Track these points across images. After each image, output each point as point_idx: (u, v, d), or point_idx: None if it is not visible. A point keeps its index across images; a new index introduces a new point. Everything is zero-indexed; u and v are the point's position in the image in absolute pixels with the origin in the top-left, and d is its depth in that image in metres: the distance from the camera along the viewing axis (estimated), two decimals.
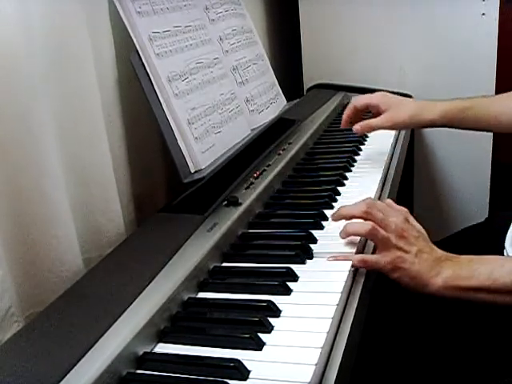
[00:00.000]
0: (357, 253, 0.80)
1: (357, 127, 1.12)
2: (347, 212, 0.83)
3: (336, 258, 0.78)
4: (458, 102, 1.11)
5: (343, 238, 0.82)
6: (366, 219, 0.80)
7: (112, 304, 0.65)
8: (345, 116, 1.15)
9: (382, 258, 0.77)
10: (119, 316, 0.62)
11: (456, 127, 1.13)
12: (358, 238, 0.82)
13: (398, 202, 0.88)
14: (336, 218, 0.85)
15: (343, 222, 0.83)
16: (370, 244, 0.85)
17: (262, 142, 1.15)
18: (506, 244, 0.95)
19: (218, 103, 1.07)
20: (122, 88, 0.97)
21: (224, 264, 0.81)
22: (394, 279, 0.78)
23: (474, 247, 0.86)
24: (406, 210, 0.85)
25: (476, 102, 1.11)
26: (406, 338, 0.97)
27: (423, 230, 0.83)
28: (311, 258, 0.80)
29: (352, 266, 0.76)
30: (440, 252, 0.79)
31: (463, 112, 1.10)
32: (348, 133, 1.37)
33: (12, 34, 0.70)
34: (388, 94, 1.19)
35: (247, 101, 1.18)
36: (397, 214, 0.82)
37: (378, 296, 0.86)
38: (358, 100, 1.15)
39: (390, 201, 0.88)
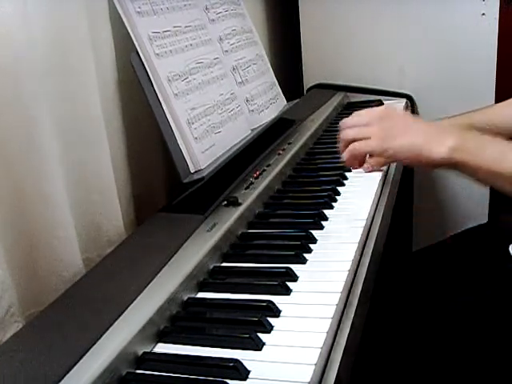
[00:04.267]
0: (357, 252, 0.80)
1: (367, 166, 1.12)
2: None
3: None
4: (459, 121, 1.11)
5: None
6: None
7: (112, 304, 0.65)
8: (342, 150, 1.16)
9: (371, 140, 0.77)
10: (119, 316, 0.62)
11: None
12: (357, 238, 0.82)
13: (398, 202, 0.88)
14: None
15: (344, 225, 0.83)
16: (370, 243, 0.85)
17: (262, 142, 1.15)
18: (511, 248, 0.96)
19: (218, 103, 1.07)
20: (121, 88, 0.97)
21: (224, 264, 0.81)
22: (394, 160, 0.75)
23: (478, 249, 0.86)
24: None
25: (476, 116, 1.12)
26: (406, 338, 0.97)
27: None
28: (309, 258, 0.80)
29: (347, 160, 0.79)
30: (439, 124, 0.77)
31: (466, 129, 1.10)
32: None
33: (12, 34, 0.70)
34: None
35: (247, 101, 1.18)
36: (374, 109, 0.86)
37: (378, 296, 0.86)
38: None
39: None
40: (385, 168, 1.12)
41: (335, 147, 1.27)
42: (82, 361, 0.55)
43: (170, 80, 0.96)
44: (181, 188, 0.93)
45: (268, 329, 0.64)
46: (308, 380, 0.55)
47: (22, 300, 0.74)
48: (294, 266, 0.77)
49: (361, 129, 0.77)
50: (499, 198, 1.68)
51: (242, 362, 0.58)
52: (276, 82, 1.35)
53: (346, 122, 0.84)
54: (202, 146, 0.98)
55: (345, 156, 0.81)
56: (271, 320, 0.65)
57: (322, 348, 0.60)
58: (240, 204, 0.91)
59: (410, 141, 0.73)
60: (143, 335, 0.62)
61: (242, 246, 0.86)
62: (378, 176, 1.08)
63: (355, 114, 0.84)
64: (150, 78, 0.93)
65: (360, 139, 0.76)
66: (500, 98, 1.56)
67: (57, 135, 0.80)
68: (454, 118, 1.13)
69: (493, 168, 0.69)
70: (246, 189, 0.97)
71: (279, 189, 1.06)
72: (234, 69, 1.18)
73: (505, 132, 1.09)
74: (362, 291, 0.74)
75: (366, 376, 0.92)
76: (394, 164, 1.20)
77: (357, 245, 0.81)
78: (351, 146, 0.77)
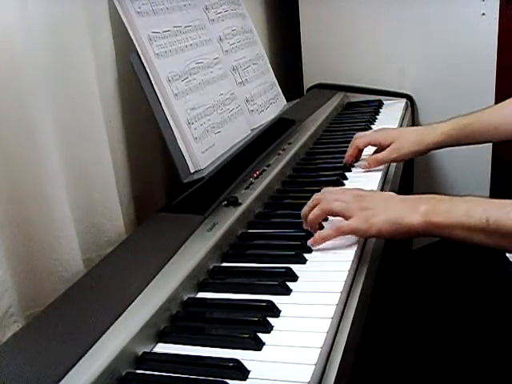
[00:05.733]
0: (357, 252, 0.80)
1: (365, 164, 1.12)
2: (304, 214, 0.84)
3: (314, 241, 0.81)
4: (457, 121, 1.13)
5: (315, 243, 0.82)
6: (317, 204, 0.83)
7: (112, 304, 0.65)
8: (348, 156, 1.16)
9: (352, 221, 0.79)
10: (119, 316, 0.62)
11: (460, 145, 1.15)
12: (356, 238, 0.82)
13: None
14: (305, 227, 0.85)
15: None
16: (370, 242, 0.85)
17: (262, 142, 1.15)
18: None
19: (218, 103, 1.07)
20: (121, 88, 0.97)
21: (224, 264, 0.81)
22: (376, 236, 0.79)
23: (475, 249, 0.86)
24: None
25: (475, 116, 1.13)
26: (406, 338, 0.97)
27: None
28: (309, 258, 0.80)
29: (329, 237, 0.80)
30: (415, 195, 0.80)
31: (464, 129, 1.11)
32: (348, 133, 1.37)
33: (12, 35, 0.70)
34: (386, 127, 1.24)
35: (247, 101, 1.18)
36: (350, 190, 0.85)
37: (378, 296, 0.86)
38: (360, 140, 1.15)
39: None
40: (382, 166, 1.12)
41: (335, 147, 1.27)
42: (81, 361, 0.55)
43: (169, 80, 0.96)
44: (181, 188, 0.93)
45: (268, 329, 0.64)
46: (308, 380, 0.55)
47: (22, 300, 0.74)
48: (294, 266, 0.77)
49: (344, 206, 0.80)
50: (499, 198, 1.68)
51: (242, 362, 0.58)
52: (276, 82, 1.35)
53: (328, 193, 0.86)
54: (202, 146, 0.98)
55: (309, 223, 0.83)
56: (271, 320, 0.65)
57: (321, 348, 0.60)
58: (240, 204, 0.91)
59: (389, 216, 0.77)
60: (143, 335, 0.62)
61: (242, 246, 0.86)
62: (377, 176, 1.08)
63: (326, 189, 0.88)
64: (149, 78, 0.93)
65: (341, 215, 0.80)
66: (500, 97, 1.56)
67: (57, 135, 0.80)
68: (452, 119, 1.13)
69: (465, 224, 0.73)
70: (245, 189, 0.97)
71: (279, 189, 1.06)
72: (233, 69, 1.18)
73: (502, 133, 1.10)
74: (361, 291, 0.74)
75: (366, 376, 0.92)
76: (394, 164, 1.20)
77: (357, 244, 0.81)
78: (336, 226, 0.79)
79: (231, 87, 1.14)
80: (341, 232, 0.80)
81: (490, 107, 1.16)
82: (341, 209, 0.81)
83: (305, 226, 0.85)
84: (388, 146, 1.12)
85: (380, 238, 0.80)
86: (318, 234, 0.81)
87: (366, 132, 1.22)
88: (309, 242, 0.82)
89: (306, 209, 0.85)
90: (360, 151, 1.17)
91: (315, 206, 0.83)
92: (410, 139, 1.12)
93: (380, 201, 0.81)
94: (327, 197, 0.84)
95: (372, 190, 0.86)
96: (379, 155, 1.12)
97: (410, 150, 1.12)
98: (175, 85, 0.96)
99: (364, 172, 1.12)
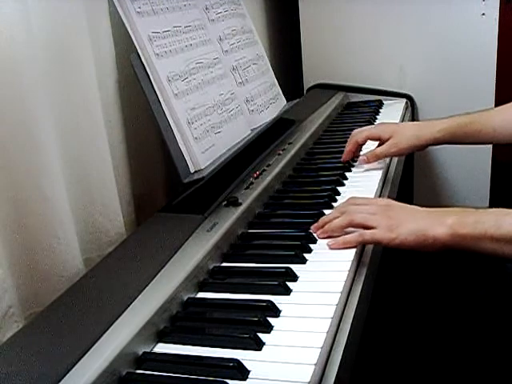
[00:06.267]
0: (357, 252, 0.80)
1: (364, 158, 1.12)
2: (326, 222, 0.84)
3: (338, 245, 0.80)
4: (457, 118, 1.13)
5: (335, 248, 0.81)
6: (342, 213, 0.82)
7: (112, 304, 0.65)
8: (347, 151, 1.16)
9: (377, 230, 0.78)
10: (119, 316, 0.62)
11: (458, 143, 1.15)
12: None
13: (398, 201, 0.88)
14: (321, 235, 0.84)
15: None
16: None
17: (262, 142, 1.15)
18: None
19: (218, 103, 1.07)
20: (121, 88, 0.97)
21: (224, 264, 0.81)
22: (400, 247, 0.77)
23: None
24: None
25: (475, 116, 1.13)
26: (406, 338, 0.97)
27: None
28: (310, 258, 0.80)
29: (351, 244, 0.79)
30: (443, 209, 0.79)
31: (464, 127, 1.11)
32: (348, 133, 1.37)
33: (12, 34, 0.70)
34: (385, 122, 1.24)
35: (247, 101, 1.18)
36: (375, 200, 0.84)
37: (378, 296, 0.86)
38: (359, 135, 1.15)
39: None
40: (383, 165, 1.12)
41: (335, 147, 1.27)
42: (82, 361, 0.55)
43: (169, 80, 0.96)
44: (181, 188, 0.93)
45: (268, 329, 0.64)
46: (308, 380, 0.55)
47: (22, 300, 0.74)
48: (294, 266, 0.77)
49: (368, 216, 0.79)
50: (498, 199, 1.68)
51: (242, 362, 0.58)
52: (276, 82, 1.35)
53: (352, 205, 0.85)
54: (202, 146, 0.98)
55: (330, 230, 0.83)
56: (271, 320, 0.65)
57: (321, 348, 0.60)
58: (240, 204, 0.91)
59: (415, 227, 0.76)
60: (143, 335, 0.62)
61: (242, 246, 0.86)
62: (377, 176, 1.08)
63: (351, 199, 0.86)
64: (149, 78, 0.93)
65: (366, 226, 0.79)
66: (500, 97, 1.57)
67: (57, 135, 0.80)
68: (452, 117, 1.13)
69: (494, 235, 0.72)
70: (245, 189, 0.97)
71: (279, 189, 1.06)
72: (233, 69, 1.18)
73: (500, 136, 1.10)
74: (361, 291, 0.74)
75: (366, 376, 0.92)
76: (394, 164, 1.20)
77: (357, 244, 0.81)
78: (360, 235, 0.79)
79: (231, 87, 1.14)
80: (363, 240, 0.79)
81: (490, 109, 1.16)
82: (365, 220, 0.80)
83: (315, 232, 0.84)
84: (387, 140, 1.12)
85: (404, 248, 0.79)
86: (343, 239, 0.80)
87: (364, 127, 1.22)
88: (331, 245, 0.81)
89: (328, 217, 0.84)
90: (359, 146, 1.16)
91: (338, 216, 0.82)
92: (409, 134, 1.12)
93: (406, 212, 0.81)
94: (352, 209, 0.83)
95: (397, 202, 0.86)
96: (378, 149, 1.12)
97: (409, 145, 1.12)
98: (175, 85, 0.96)
99: (364, 172, 1.12)
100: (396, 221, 0.78)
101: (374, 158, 1.12)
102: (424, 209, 0.81)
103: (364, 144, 1.18)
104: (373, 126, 1.22)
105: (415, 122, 1.26)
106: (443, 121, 1.13)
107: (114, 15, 0.93)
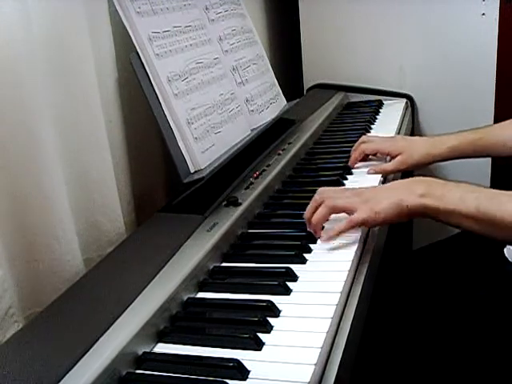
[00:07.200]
0: (357, 252, 0.80)
1: (371, 170, 1.12)
2: (308, 215, 0.85)
3: (329, 236, 0.82)
4: (466, 135, 1.13)
5: (330, 238, 0.83)
6: (320, 204, 0.84)
7: (112, 304, 0.65)
8: (354, 159, 1.16)
9: (359, 212, 0.80)
10: (119, 316, 0.62)
11: (466, 157, 1.16)
12: (356, 238, 0.82)
13: None
14: (317, 233, 0.86)
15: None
16: (370, 243, 0.85)
17: (262, 142, 1.15)
18: (505, 249, 0.97)
19: (218, 103, 1.07)
20: (121, 88, 0.97)
21: (224, 264, 0.81)
22: (384, 223, 0.82)
23: (474, 249, 0.87)
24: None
25: (484, 132, 1.14)
26: (406, 338, 0.97)
27: None
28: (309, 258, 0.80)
29: (343, 231, 0.81)
30: (411, 178, 0.83)
31: (473, 144, 1.13)
32: (348, 133, 1.37)
33: (12, 34, 0.70)
34: (396, 136, 1.27)
35: (247, 101, 1.18)
36: (346, 188, 0.88)
37: (378, 296, 0.86)
38: (368, 146, 1.16)
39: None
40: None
41: (335, 147, 1.27)
42: (82, 361, 0.55)
43: (169, 80, 0.96)
44: (181, 188, 0.93)
45: (268, 329, 0.64)
46: (308, 380, 0.55)
47: (22, 300, 0.74)
48: (294, 266, 0.77)
49: (348, 200, 0.83)
50: None
51: (242, 362, 0.58)
52: (276, 82, 1.35)
53: (326, 193, 0.87)
54: (202, 146, 0.98)
55: (315, 223, 0.84)
56: (271, 320, 0.65)
57: (321, 348, 0.60)
58: (240, 204, 0.91)
59: (391, 200, 0.80)
60: (143, 335, 0.62)
61: (242, 246, 0.86)
62: (377, 176, 1.08)
63: (322, 189, 0.88)
64: (149, 78, 0.93)
65: (347, 209, 0.82)
66: (500, 98, 1.57)
67: (57, 135, 0.80)
68: (460, 132, 1.14)
69: (457, 210, 0.76)
70: (245, 189, 0.97)
71: (279, 189, 1.06)
72: (233, 69, 1.18)
73: (511, 150, 1.10)
74: (361, 291, 0.74)
75: (366, 376, 0.92)
76: None
77: (357, 244, 0.81)
78: (348, 221, 0.81)
79: (231, 87, 1.14)
80: (353, 223, 0.81)
81: (499, 124, 1.17)
82: (345, 203, 0.82)
83: (309, 228, 0.85)
84: (395, 156, 1.12)
85: (387, 223, 0.81)
86: (333, 229, 0.82)
87: (374, 138, 1.22)
88: (322, 239, 0.83)
89: (309, 211, 0.85)
90: (366, 156, 1.17)
91: (317, 206, 0.83)
92: (419, 152, 1.13)
93: (379, 191, 0.84)
94: (328, 195, 0.84)
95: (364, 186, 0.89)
96: (388, 166, 1.12)
97: (418, 162, 1.13)
98: (175, 85, 0.96)
99: (364, 172, 1.12)
100: (373, 199, 0.81)
101: (383, 173, 1.12)
102: (393, 182, 0.84)
103: (370, 155, 1.18)
104: (383, 137, 1.21)
105: (424, 138, 1.25)
106: (452, 138, 1.13)
107: (114, 15, 0.93)
